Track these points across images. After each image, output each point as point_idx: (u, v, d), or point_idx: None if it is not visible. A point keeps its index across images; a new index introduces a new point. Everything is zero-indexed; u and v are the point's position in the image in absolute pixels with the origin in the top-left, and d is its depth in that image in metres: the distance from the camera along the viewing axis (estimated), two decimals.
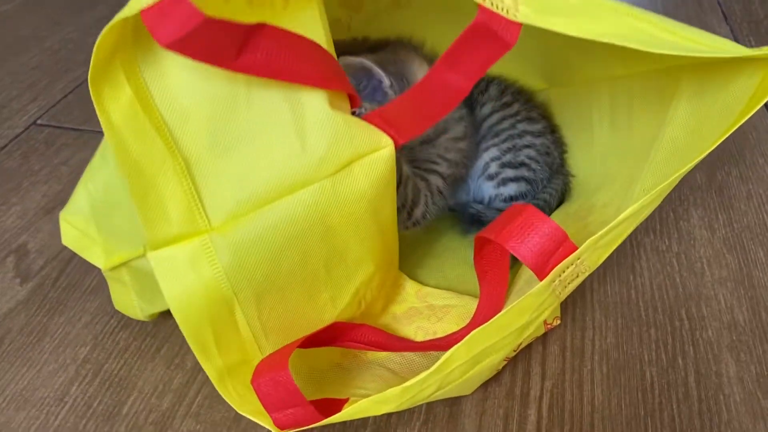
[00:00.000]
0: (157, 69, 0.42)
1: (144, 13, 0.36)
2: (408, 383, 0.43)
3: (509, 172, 0.67)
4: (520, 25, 0.40)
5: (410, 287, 0.61)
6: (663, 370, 0.56)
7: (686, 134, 0.52)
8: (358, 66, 0.55)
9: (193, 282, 0.43)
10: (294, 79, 0.41)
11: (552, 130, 0.73)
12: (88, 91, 0.40)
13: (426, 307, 0.58)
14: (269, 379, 0.45)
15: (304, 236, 0.45)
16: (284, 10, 0.44)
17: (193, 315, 0.43)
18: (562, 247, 0.45)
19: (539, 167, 0.68)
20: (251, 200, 0.43)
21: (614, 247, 0.48)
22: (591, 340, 0.59)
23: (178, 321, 0.43)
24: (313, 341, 0.51)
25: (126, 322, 0.62)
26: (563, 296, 0.48)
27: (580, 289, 0.63)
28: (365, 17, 0.67)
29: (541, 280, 0.45)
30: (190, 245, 0.43)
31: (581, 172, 0.71)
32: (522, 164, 0.67)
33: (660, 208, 0.72)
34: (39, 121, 0.95)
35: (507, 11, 0.40)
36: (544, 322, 0.57)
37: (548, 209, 0.67)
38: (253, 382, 0.45)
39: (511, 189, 0.67)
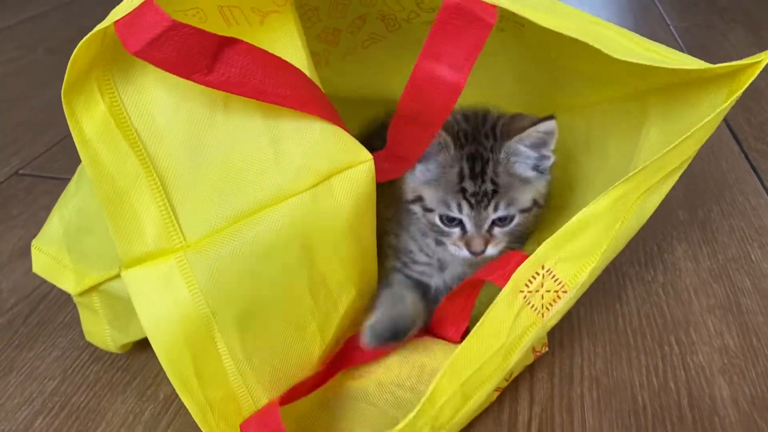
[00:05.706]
0: (134, 86, 0.42)
1: (117, 23, 0.37)
2: (398, 427, 0.41)
3: None
4: (495, 6, 0.40)
5: None
6: (655, 393, 0.54)
7: None
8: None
9: (169, 302, 0.41)
10: (270, 99, 0.41)
11: None
12: (72, 143, 0.40)
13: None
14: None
15: (283, 251, 0.44)
16: (261, 26, 0.44)
17: (171, 340, 0.41)
18: (515, 260, 0.45)
19: None
20: (228, 215, 0.42)
21: (593, 261, 0.44)
22: (579, 366, 0.57)
23: (154, 347, 0.41)
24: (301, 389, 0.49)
25: (97, 355, 0.59)
26: (549, 321, 0.45)
27: (567, 317, 0.61)
28: (342, 51, 0.68)
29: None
30: (165, 264, 0.41)
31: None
32: None
33: (643, 241, 0.72)
34: (21, 171, 0.94)
35: None
36: (533, 348, 0.55)
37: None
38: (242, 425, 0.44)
39: None
